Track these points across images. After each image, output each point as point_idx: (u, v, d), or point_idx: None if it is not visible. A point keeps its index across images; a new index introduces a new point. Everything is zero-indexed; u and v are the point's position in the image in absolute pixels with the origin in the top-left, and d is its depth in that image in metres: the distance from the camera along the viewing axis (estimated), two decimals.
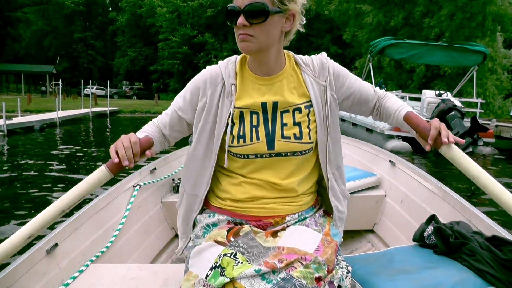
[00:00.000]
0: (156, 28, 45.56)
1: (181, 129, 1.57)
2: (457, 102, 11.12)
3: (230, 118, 1.42)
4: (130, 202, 2.35)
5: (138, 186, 2.49)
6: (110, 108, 24.27)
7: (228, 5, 1.35)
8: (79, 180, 1.52)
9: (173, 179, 3.01)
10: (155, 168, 2.87)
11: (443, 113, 10.14)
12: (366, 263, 1.58)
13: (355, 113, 1.65)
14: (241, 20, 1.33)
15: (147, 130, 1.54)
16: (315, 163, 1.55)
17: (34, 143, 11.43)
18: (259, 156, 1.43)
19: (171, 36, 43.01)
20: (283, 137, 1.43)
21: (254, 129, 1.42)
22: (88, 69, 53.15)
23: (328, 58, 1.54)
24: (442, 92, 11.98)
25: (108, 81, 27.63)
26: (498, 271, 1.36)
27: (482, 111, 15.00)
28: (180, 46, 42.72)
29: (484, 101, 16.05)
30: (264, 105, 1.44)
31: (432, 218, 1.70)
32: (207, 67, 1.55)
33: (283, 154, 1.44)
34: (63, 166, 7.97)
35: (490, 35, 22.33)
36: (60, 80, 21.01)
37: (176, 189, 2.97)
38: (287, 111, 1.45)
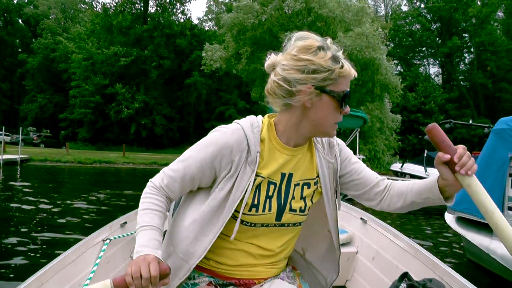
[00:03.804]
0: (69, 74, 44.39)
1: (188, 190, 1.44)
2: None
3: (250, 187, 1.34)
4: (99, 256, 2.24)
5: (108, 241, 2.39)
6: (21, 156, 22.84)
7: (348, 89, 1.31)
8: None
9: None
10: (125, 222, 2.75)
11: None
12: None
13: (356, 197, 1.57)
14: (349, 108, 1.34)
15: (158, 221, 1.34)
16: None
17: None
18: (265, 225, 1.41)
19: (84, 83, 42.26)
20: (290, 209, 1.42)
21: (268, 200, 1.38)
22: None
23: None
24: None
25: (21, 128, 26.48)
26: None
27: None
28: (93, 94, 41.97)
29: (364, 157, 18.34)
30: (283, 176, 1.40)
31: (405, 276, 1.69)
32: (229, 127, 1.39)
33: (286, 225, 1.44)
34: None
35: (379, 100, 25.39)
36: None
37: None
38: (298, 184, 1.43)
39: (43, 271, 1.83)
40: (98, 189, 12.82)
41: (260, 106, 30.07)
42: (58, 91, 48.29)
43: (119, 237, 2.53)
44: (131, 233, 2.63)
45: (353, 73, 1.30)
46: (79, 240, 2.30)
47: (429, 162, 13.86)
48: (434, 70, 56.69)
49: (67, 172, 20.75)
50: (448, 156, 1.25)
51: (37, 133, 44.14)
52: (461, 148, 1.25)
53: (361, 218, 3.02)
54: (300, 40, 1.28)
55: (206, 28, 54.66)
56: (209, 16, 57.10)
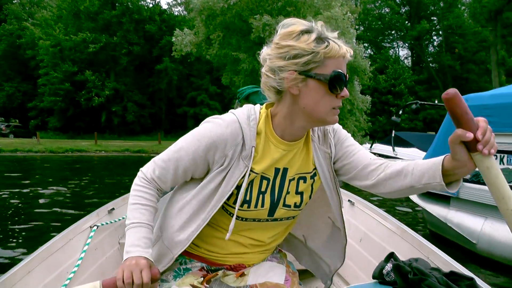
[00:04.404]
0: (36, 62, 43.13)
1: (182, 182, 1.41)
2: None
3: (242, 181, 1.30)
4: (87, 243, 2.21)
5: (95, 227, 2.35)
6: None
7: (339, 70, 1.19)
8: None
9: None
10: (113, 208, 2.72)
11: None
12: None
13: (348, 180, 1.47)
14: (347, 92, 1.23)
15: (149, 217, 1.33)
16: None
17: None
18: (256, 220, 1.38)
19: (52, 71, 41.25)
20: (284, 205, 1.39)
21: (261, 196, 1.34)
22: None
23: None
24: None
25: None
26: None
27: None
28: (62, 82, 40.96)
29: None
30: (277, 171, 1.35)
31: (391, 256, 1.68)
32: (224, 119, 1.33)
33: (279, 219, 1.41)
34: None
35: (349, 82, 25.78)
36: None
37: None
38: (293, 179, 1.39)
39: (30, 258, 1.80)
40: (73, 177, 12.79)
41: (231, 90, 30.12)
42: (26, 79, 46.60)
43: (107, 223, 2.49)
44: (119, 219, 2.61)
45: (344, 51, 1.20)
46: (61, 228, 2.31)
47: (397, 142, 14.25)
48: (403, 52, 57.89)
49: (39, 162, 20.40)
50: (471, 135, 1.03)
51: (5, 123, 42.81)
52: (482, 121, 1.05)
53: (348, 200, 2.97)
54: (284, 28, 1.24)
55: (176, 13, 54.02)
56: (178, 1, 56.40)
